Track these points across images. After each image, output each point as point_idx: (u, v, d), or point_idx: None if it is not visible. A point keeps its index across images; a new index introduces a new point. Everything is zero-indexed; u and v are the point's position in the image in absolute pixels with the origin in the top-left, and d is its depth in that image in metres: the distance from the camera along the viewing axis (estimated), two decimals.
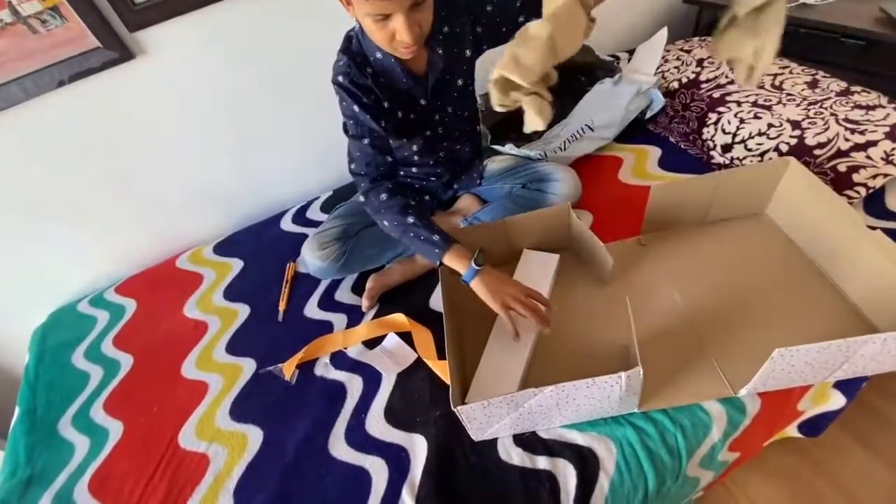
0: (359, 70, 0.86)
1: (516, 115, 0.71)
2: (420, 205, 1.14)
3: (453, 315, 0.89)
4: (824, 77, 1.20)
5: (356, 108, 0.86)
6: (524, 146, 1.25)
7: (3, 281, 1.20)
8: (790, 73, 1.24)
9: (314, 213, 1.33)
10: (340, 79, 0.86)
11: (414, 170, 1.13)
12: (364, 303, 1.04)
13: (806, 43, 1.34)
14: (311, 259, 1.05)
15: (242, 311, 1.14)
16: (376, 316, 1.04)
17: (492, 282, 0.83)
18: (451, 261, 0.85)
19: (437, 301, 1.03)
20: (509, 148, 1.24)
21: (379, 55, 0.86)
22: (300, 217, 1.34)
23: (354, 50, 0.87)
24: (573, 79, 1.44)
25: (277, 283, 1.16)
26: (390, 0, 0.70)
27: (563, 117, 1.35)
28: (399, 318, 0.99)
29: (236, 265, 1.25)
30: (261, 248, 1.28)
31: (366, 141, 0.88)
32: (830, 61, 1.31)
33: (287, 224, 1.33)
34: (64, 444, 0.96)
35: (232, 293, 1.18)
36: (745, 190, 0.97)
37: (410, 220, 0.88)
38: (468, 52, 0.94)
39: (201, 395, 0.98)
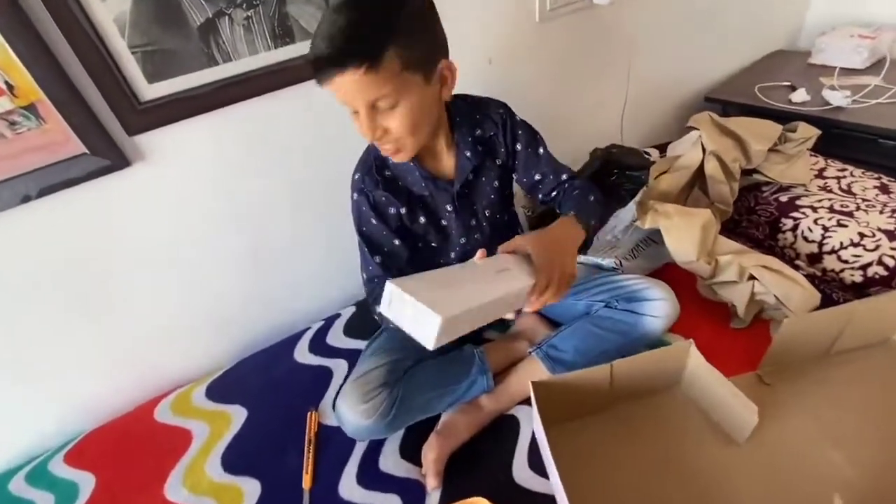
0: (372, 181, 0.81)
1: None
2: None
3: (575, 487, 0.63)
4: (890, 181, 1.15)
5: (364, 227, 0.83)
6: (588, 253, 1.09)
7: None
8: (851, 174, 1.18)
9: (336, 338, 1.08)
10: (354, 195, 0.83)
11: None
12: (430, 481, 0.77)
13: (843, 143, 1.32)
14: (353, 416, 0.78)
15: (250, 490, 0.83)
16: (444, 496, 0.77)
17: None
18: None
19: (522, 469, 0.78)
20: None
21: None
22: (319, 344, 1.07)
23: (372, 154, 0.83)
24: (609, 174, 1.34)
25: (295, 444, 0.88)
26: (341, 86, 0.63)
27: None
28: None
29: (237, 416, 0.96)
30: (269, 389, 0.99)
31: (377, 259, 0.84)
32: (867, 161, 1.28)
33: (302, 354, 1.06)
34: None
35: (233, 461, 0.88)
36: (877, 317, 0.83)
37: None
38: (500, 161, 0.89)
39: None
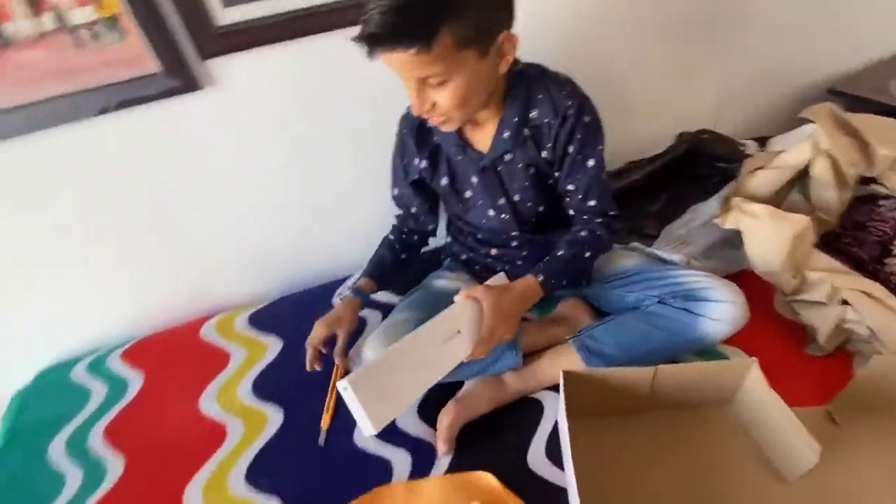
0: (410, 125, 0.83)
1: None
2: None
3: (590, 485, 0.59)
4: None
5: (397, 157, 0.87)
6: (652, 246, 0.99)
7: None
8: None
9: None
10: (399, 125, 0.85)
11: (486, 240, 0.93)
12: (440, 447, 0.76)
13: None
14: None
15: (273, 417, 0.87)
16: (454, 463, 0.76)
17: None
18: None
19: (538, 456, 0.75)
20: (633, 247, 0.98)
21: None
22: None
23: None
24: (694, 163, 1.20)
25: (320, 385, 0.90)
26: (391, 61, 0.62)
27: (679, 211, 1.10)
28: (488, 480, 0.72)
29: (273, 346, 1.00)
30: (306, 327, 1.00)
31: (395, 192, 0.91)
32: None
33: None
34: None
35: (263, 388, 0.92)
36: None
37: None
38: (545, 154, 0.79)
39: None
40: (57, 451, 0.86)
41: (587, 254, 0.81)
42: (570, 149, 0.77)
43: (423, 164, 0.83)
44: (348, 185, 1.07)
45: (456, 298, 0.74)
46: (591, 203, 0.81)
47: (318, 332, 0.81)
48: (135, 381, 0.97)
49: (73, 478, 0.82)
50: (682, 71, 1.23)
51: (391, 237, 0.95)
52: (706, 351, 0.85)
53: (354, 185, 1.07)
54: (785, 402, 0.67)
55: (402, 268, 0.94)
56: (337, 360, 0.82)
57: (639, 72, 1.18)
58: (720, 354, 0.85)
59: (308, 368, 0.80)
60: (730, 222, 0.90)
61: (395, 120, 0.87)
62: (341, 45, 0.86)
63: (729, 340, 0.85)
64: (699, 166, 1.20)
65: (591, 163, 0.78)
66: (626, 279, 0.88)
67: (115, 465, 0.83)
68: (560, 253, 0.80)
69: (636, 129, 1.27)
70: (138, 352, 1.03)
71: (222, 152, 0.93)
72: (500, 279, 0.83)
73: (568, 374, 0.69)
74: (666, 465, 0.72)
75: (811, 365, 0.82)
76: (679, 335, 0.78)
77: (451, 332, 0.70)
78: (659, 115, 1.26)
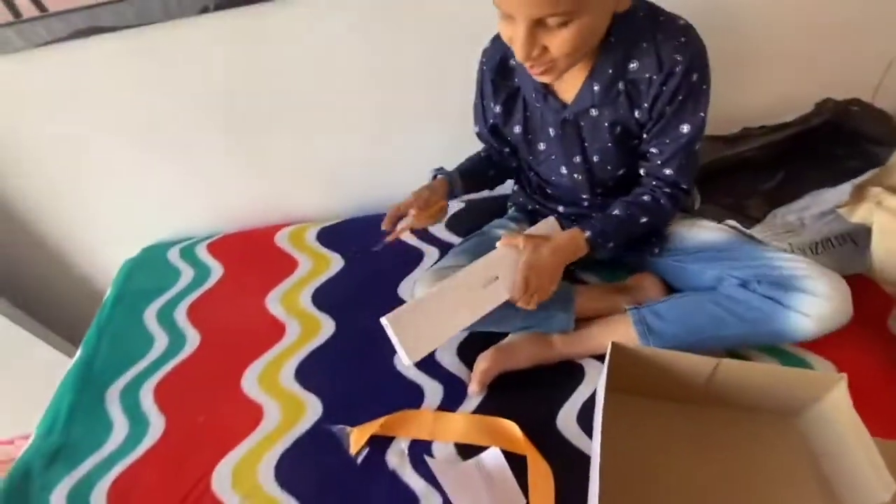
0: (492, 64, 0.76)
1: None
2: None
3: (614, 462, 0.58)
4: None
5: (477, 95, 0.82)
6: (753, 229, 0.87)
7: (110, 202, 1.13)
8: None
9: (438, 228, 1.08)
10: (487, 46, 0.78)
11: (555, 196, 0.88)
12: (472, 387, 0.78)
13: None
14: None
15: (326, 325, 0.93)
16: (482, 405, 0.77)
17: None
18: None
19: (568, 420, 0.74)
20: (728, 225, 0.86)
21: None
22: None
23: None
24: (834, 139, 1.00)
25: (372, 306, 0.93)
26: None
27: (797, 194, 0.94)
28: (511, 429, 0.72)
29: (335, 263, 1.05)
30: (369, 252, 1.06)
31: (476, 129, 0.86)
32: None
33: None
34: (104, 420, 0.85)
35: (321, 298, 0.99)
36: None
37: None
38: (637, 114, 0.69)
39: (252, 425, 0.80)
40: (151, 317, 1.01)
41: (643, 219, 0.73)
42: (668, 109, 0.66)
43: (498, 108, 0.78)
44: (424, 115, 1.04)
45: (498, 244, 0.72)
46: (668, 171, 0.72)
47: (408, 200, 0.79)
48: (216, 270, 1.08)
49: (161, 341, 0.96)
50: (853, 16, 0.99)
51: (483, 154, 0.90)
52: (782, 351, 0.76)
53: (427, 114, 1.04)
54: (875, 433, 0.58)
55: (489, 183, 0.90)
56: (413, 210, 0.77)
57: (788, 7, 0.96)
58: (799, 360, 0.75)
59: (383, 226, 0.79)
60: (859, 215, 0.75)
61: (477, 57, 0.80)
62: None
63: (822, 349, 0.75)
64: (838, 144, 1.00)
65: (685, 128, 0.68)
66: (706, 252, 0.79)
67: (192, 339, 0.96)
68: (615, 212, 0.73)
69: (768, 85, 1.07)
70: (222, 245, 1.14)
71: (304, 65, 0.94)
72: (548, 224, 0.79)
73: (616, 347, 0.65)
74: (705, 466, 0.67)
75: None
76: (758, 326, 0.69)
77: (490, 278, 0.70)
78: (804, 70, 1.05)
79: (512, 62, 0.74)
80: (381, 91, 1.00)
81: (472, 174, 0.87)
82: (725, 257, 0.77)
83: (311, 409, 0.81)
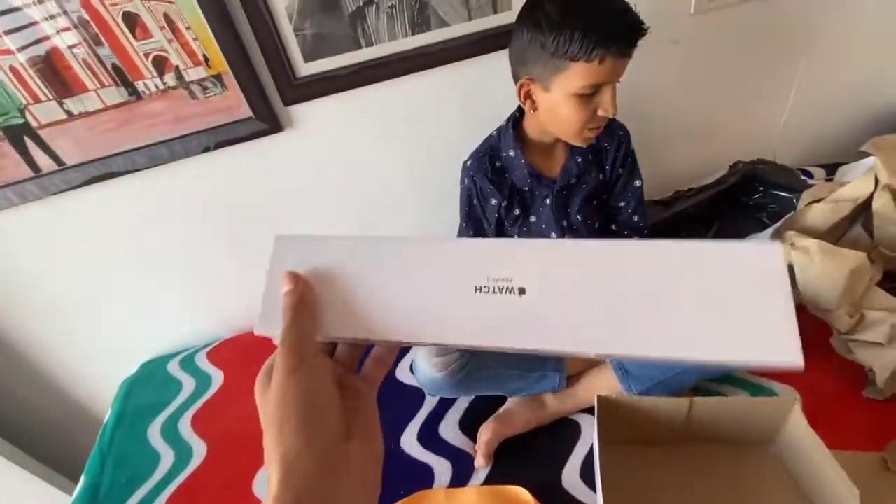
0: (482, 169, 0.86)
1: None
2: None
3: None
4: None
5: (469, 209, 0.91)
6: None
7: (107, 323, 1.17)
8: None
9: None
10: (465, 181, 0.89)
11: None
12: (479, 460, 0.82)
13: None
14: (426, 366, 0.85)
15: None
16: (490, 475, 0.82)
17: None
18: None
19: (572, 477, 0.79)
20: None
21: (511, 153, 0.85)
22: None
23: (489, 144, 0.88)
24: (750, 191, 1.17)
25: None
26: (615, 64, 0.67)
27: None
28: (522, 494, 0.76)
29: None
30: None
31: (471, 233, 0.93)
32: None
33: None
34: None
35: None
36: None
37: None
38: (602, 177, 0.88)
39: None
40: (155, 434, 1.02)
41: None
42: (622, 170, 0.88)
43: (504, 201, 0.87)
44: (404, 210, 1.17)
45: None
46: (636, 218, 0.91)
47: None
48: (216, 377, 1.12)
49: (167, 457, 0.97)
50: (743, 97, 1.23)
51: None
52: (752, 383, 0.85)
53: (407, 209, 1.17)
54: (838, 445, 0.65)
55: None
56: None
57: (694, 97, 1.19)
58: (767, 390, 0.84)
59: None
60: None
61: (450, 157, 0.94)
62: (405, 88, 0.98)
63: (784, 377, 0.84)
64: (756, 194, 1.18)
65: (637, 182, 0.89)
66: None
67: (199, 450, 0.97)
68: None
69: (688, 157, 1.27)
70: (220, 352, 1.18)
71: (297, 185, 1.07)
72: None
73: (602, 400, 0.73)
74: (700, 499, 0.72)
75: (868, 409, 0.79)
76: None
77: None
78: (714, 142, 1.26)
79: (498, 163, 0.87)
80: (362, 201, 1.13)
81: None
82: None
83: None
